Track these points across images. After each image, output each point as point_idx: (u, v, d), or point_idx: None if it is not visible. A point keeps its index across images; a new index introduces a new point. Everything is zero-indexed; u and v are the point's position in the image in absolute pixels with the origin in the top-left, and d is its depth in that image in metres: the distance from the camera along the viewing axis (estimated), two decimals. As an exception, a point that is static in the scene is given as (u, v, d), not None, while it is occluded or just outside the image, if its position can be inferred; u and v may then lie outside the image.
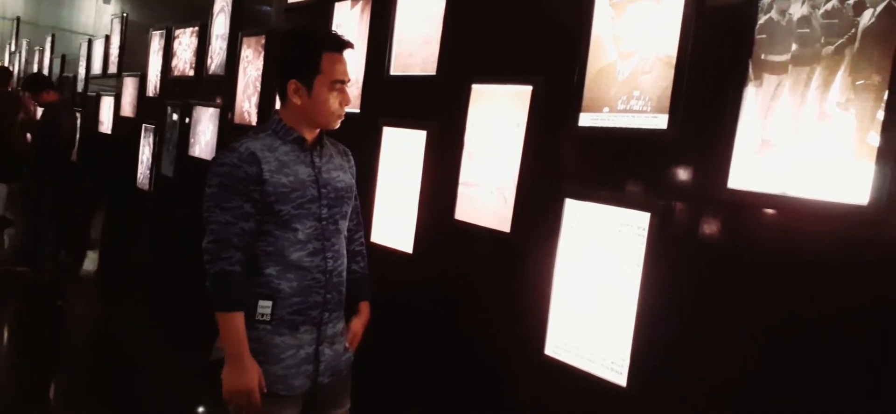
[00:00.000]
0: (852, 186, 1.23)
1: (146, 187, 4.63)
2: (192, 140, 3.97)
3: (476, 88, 2.08)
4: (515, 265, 1.94)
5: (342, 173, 1.78)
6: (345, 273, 1.77)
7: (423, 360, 1.87)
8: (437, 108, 2.21)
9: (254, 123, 3.33)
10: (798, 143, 1.33)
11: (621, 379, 1.60)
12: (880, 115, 1.21)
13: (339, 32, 1.75)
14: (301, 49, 1.67)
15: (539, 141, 1.88)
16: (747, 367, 1.40)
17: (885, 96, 1.20)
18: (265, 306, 1.64)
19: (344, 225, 1.77)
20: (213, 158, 1.70)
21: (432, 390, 2.16)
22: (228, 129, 3.58)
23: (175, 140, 4.20)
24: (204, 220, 1.62)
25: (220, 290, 1.59)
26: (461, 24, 2.18)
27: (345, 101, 1.70)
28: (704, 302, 1.49)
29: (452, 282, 2.16)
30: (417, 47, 2.32)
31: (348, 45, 1.71)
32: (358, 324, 1.87)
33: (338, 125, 1.72)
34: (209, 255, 1.60)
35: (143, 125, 4.71)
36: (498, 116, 2.00)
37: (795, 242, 1.33)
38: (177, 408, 3.07)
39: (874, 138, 1.21)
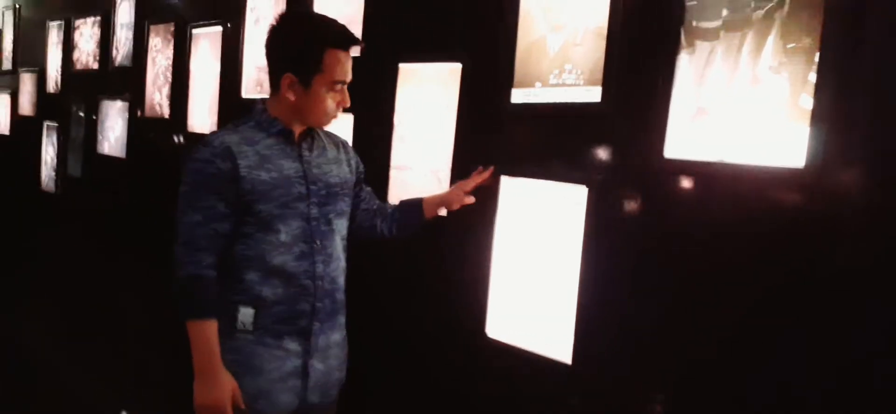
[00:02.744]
0: (788, 150, 1.21)
1: (52, 189, 4.26)
2: (100, 137, 3.66)
3: (404, 68, 1.97)
4: (453, 247, 1.86)
5: (336, 167, 1.61)
6: (341, 278, 1.60)
7: (360, 345, 1.76)
8: (363, 90, 2.10)
9: (166, 116, 3.10)
10: (732, 109, 1.30)
11: (566, 356, 1.56)
12: (812, 77, 1.19)
13: (347, 27, 1.54)
14: (303, 41, 1.48)
15: (472, 120, 1.80)
16: (691, 336, 1.38)
17: (816, 58, 1.18)
18: (246, 314, 1.48)
19: (341, 224, 1.60)
20: (189, 154, 1.51)
21: (371, 374, 2.06)
22: (139, 124, 3.32)
23: (82, 138, 3.87)
24: (176, 219, 1.45)
25: (188, 296, 1.43)
26: (383, 2, 2.07)
27: (343, 102, 1.53)
28: (645, 273, 1.45)
29: (389, 268, 2.06)
30: (339, 28, 2.18)
31: (357, 42, 1.53)
32: (459, 189, 1.69)
33: (330, 124, 1.57)
34: (178, 258, 1.43)
35: (45, 123, 4.32)
36: (428, 96, 1.90)
37: (734, 209, 1.31)
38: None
39: (807, 101, 1.19)
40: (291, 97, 1.49)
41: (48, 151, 4.29)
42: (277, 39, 1.54)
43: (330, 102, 1.50)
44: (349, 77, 1.53)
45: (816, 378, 1.20)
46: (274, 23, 1.53)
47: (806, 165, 1.19)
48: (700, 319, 1.36)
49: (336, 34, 1.52)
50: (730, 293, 1.32)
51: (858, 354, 1.15)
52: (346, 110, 1.60)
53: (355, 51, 1.58)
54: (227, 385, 1.45)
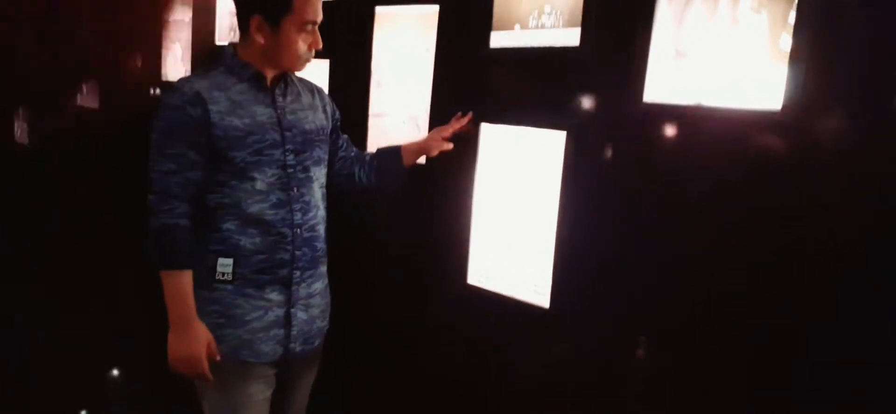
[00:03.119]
0: (766, 92, 1.20)
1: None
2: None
3: (380, 11, 1.91)
4: (433, 195, 1.85)
5: (312, 113, 1.57)
6: (320, 227, 1.58)
7: (342, 294, 1.77)
8: (339, 35, 2.04)
9: (138, 66, 3.01)
10: (712, 51, 1.28)
11: (544, 301, 1.57)
12: (791, 17, 1.17)
13: None
14: None
15: (450, 64, 1.76)
16: (669, 281, 1.38)
17: (797, -2, 1.16)
18: (225, 264, 1.46)
19: (318, 172, 1.57)
20: (159, 101, 1.46)
21: (355, 330, 2.07)
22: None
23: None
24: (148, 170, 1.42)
25: (161, 245, 1.40)
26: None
27: (315, 43, 1.48)
28: (623, 218, 1.45)
29: (368, 217, 2.05)
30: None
31: None
32: (437, 135, 1.68)
33: (304, 68, 1.51)
34: (151, 208, 1.40)
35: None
36: (406, 41, 1.85)
37: (713, 153, 1.30)
38: None
39: (786, 41, 1.17)
40: (261, 40, 1.43)
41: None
42: None
43: (301, 44, 1.45)
44: (320, 17, 1.47)
45: (793, 315, 1.21)
46: None
47: (783, 107, 1.18)
48: (674, 265, 1.37)
49: None
50: (708, 236, 1.32)
51: (837, 293, 1.16)
52: (319, 55, 1.56)
53: None
54: (202, 337, 1.44)
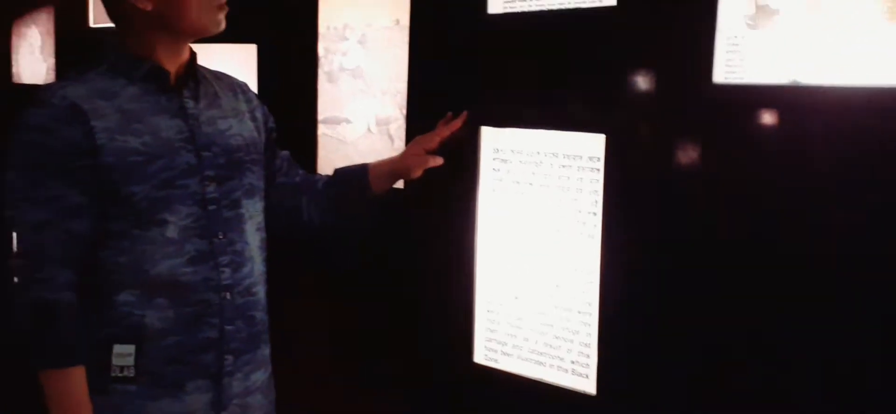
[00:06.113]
0: (887, 64, 1.24)
1: None
2: None
3: (327, -28, 1.97)
4: (418, 235, 1.89)
5: (236, 121, 1.58)
6: (259, 288, 1.59)
7: (296, 381, 1.79)
8: (271, 8, 2.09)
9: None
10: (810, 5, 1.31)
11: (588, 385, 1.59)
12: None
13: None
14: None
15: (433, 43, 1.81)
16: (760, 338, 1.41)
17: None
18: (125, 354, 1.46)
19: (252, 207, 1.58)
20: (16, 120, 1.47)
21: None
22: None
23: None
24: (7, 220, 1.43)
25: (38, 333, 1.40)
26: None
27: None
28: (694, 251, 1.48)
29: (324, 266, 2.08)
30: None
31: None
32: (418, 147, 1.70)
33: (223, 23, 1.51)
34: (19, 277, 1.42)
35: None
36: (366, 13, 1.90)
37: (819, 150, 1.33)
38: None
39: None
40: (147, 5, 1.46)
41: None
42: None
43: None
44: None
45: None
46: None
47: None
48: (778, 310, 1.40)
49: None
50: (817, 272, 1.35)
51: None
52: (240, 37, 1.58)
53: None
54: None
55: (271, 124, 1.73)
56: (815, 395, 1.37)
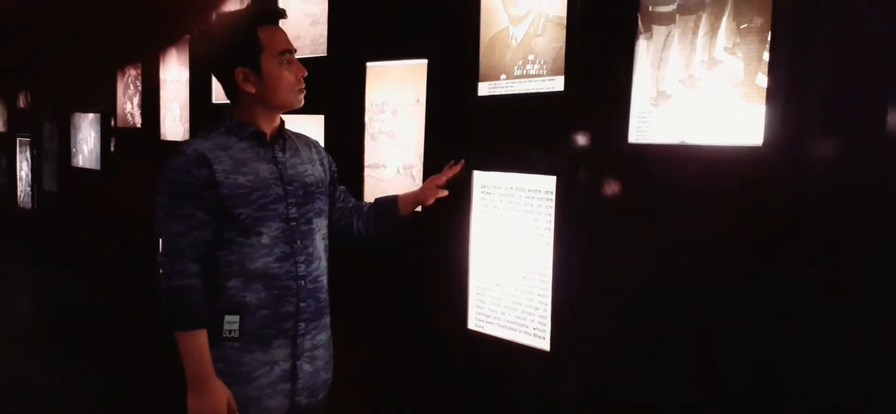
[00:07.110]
0: (746, 129, 1.24)
1: (29, 206, 4.23)
2: (73, 150, 3.64)
3: (371, 67, 1.98)
4: (430, 242, 1.88)
5: (311, 167, 1.61)
6: (323, 278, 1.60)
7: (345, 345, 1.79)
8: (332, 91, 2.10)
9: (138, 126, 3.09)
10: (692, 91, 1.32)
11: (545, 344, 1.59)
12: (766, 56, 1.22)
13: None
14: (234, 33, 1.50)
15: (441, 114, 1.81)
16: (665, 316, 1.41)
17: (769, 37, 1.21)
18: (232, 322, 1.48)
19: (321, 223, 1.60)
20: (162, 165, 1.51)
21: (356, 373, 2.08)
22: (111, 134, 3.31)
23: (55, 152, 3.85)
24: (155, 233, 1.46)
25: (175, 307, 1.43)
26: (347, 1, 2.07)
27: (299, 71, 1.53)
28: (615, 256, 1.48)
29: (369, 267, 2.08)
30: (304, 29, 2.18)
31: (280, 14, 1.55)
32: (431, 183, 1.71)
33: (302, 100, 1.55)
34: (163, 269, 1.44)
35: (18, 139, 4.29)
36: (397, 94, 1.91)
37: (698, 189, 1.34)
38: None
39: (762, 79, 1.22)
40: (251, 89, 1.49)
41: (23, 167, 4.26)
42: (211, 47, 1.57)
43: (287, 75, 1.51)
44: (292, 46, 1.54)
45: (786, 345, 1.24)
46: (198, 41, 1.54)
47: (763, 143, 1.22)
48: (665, 299, 1.40)
49: (259, 13, 1.56)
50: (697, 271, 1.35)
51: (825, 322, 1.19)
52: (314, 110, 1.59)
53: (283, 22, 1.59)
54: (221, 393, 1.47)
55: (333, 168, 1.75)
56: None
